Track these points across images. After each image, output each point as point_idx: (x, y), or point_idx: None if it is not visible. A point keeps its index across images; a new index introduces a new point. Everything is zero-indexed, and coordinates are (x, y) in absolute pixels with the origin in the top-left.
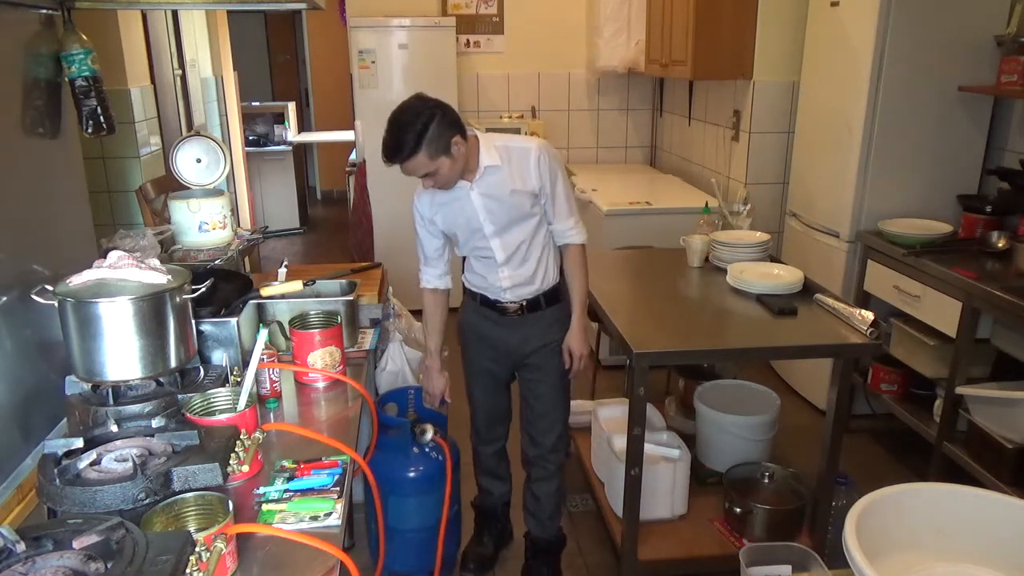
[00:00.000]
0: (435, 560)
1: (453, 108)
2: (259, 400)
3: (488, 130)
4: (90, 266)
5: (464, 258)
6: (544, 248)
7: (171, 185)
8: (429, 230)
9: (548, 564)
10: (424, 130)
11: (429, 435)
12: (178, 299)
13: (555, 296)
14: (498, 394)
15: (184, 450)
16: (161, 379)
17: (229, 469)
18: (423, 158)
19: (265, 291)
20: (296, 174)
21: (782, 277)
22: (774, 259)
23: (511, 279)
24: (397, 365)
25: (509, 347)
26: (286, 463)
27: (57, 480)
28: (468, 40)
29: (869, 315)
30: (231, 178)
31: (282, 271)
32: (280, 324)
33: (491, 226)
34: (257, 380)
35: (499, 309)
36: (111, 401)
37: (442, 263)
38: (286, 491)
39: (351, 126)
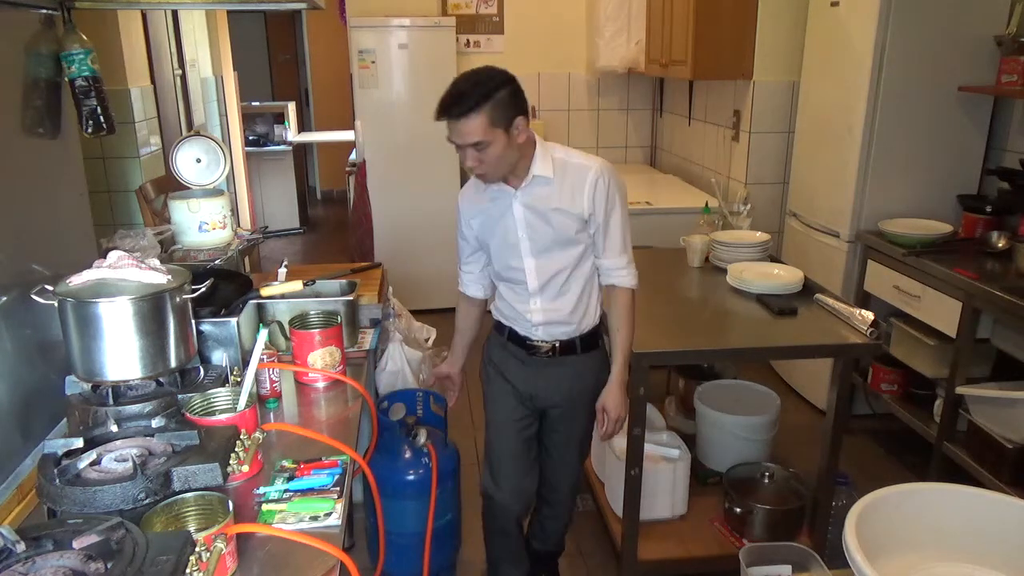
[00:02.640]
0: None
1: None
2: (259, 400)
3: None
4: (90, 266)
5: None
6: (587, 284)
7: (171, 185)
8: (467, 236)
9: (546, 569)
10: (494, 91)
11: (421, 439)
12: (178, 299)
13: (594, 341)
14: (523, 445)
15: (184, 450)
16: (161, 379)
17: (229, 469)
18: (482, 120)
19: (265, 291)
20: (296, 174)
21: (782, 277)
22: (774, 259)
23: (544, 313)
24: (397, 365)
25: (534, 391)
26: (286, 463)
27: (57, 480)
28: (468, 40)
29: (869, 315)
30: (231, 178)
31: (282, 271)
32: (280, 324)
33: (528, 243)
34: (257, 380)
35: (528, 347)
36: (111, 401)
37: (477, 266)
38: (286, 491)
39: (351, 126)
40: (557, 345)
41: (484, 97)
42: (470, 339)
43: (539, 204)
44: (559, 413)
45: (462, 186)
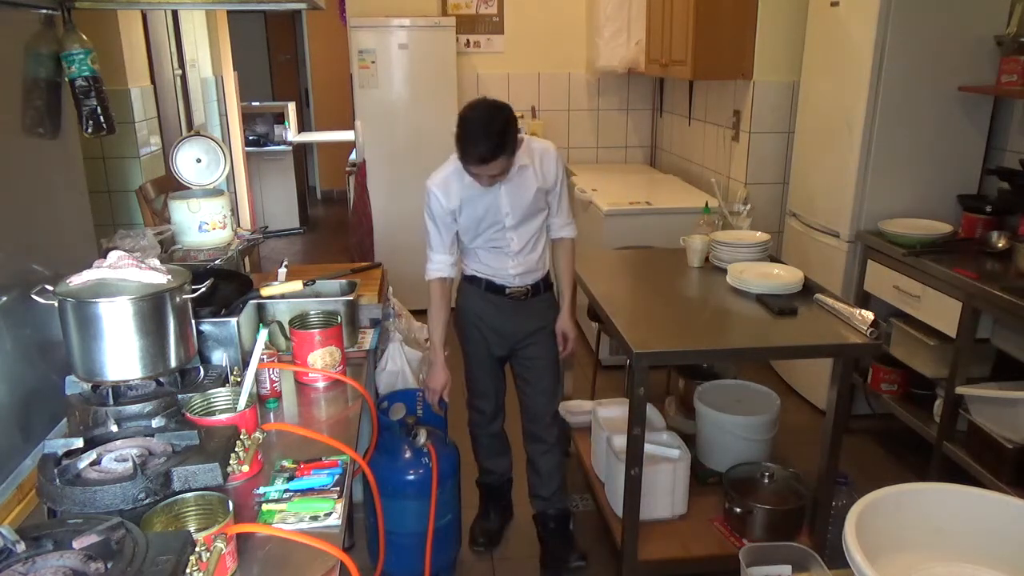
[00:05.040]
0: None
1: None
2: (259, 400)
3: None
4: (90, 266)
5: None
6: (546, 239)
7: (171, 185)
8: (446, 222)
9: (560, 534)
10: (512, 131)
11: (421, 439)
12: (178, 299)
13: (548, 283)
14: (500, 377)
15: (184, 450)
16: (161, 379)
17: (229, 469)
18: (506, 157)
19: (265, 291)
20: (296, 174)
21: (782, 277)
22: (774, 259)
23: (523, 266)
24: (397, 365)
25: (511, 330)
26: (286, 463)
27: (57, 480)
28: (468, 40)
29: (869, 315)
30: (231, 178)
31: (282, 271)
32: (280, 324)
33: (512, 219)
34: (257, 380)
35: (507, 294)
36: (111, 401)
37: (455, 251)
38: (286, 491)
39: (351, 126)
40: (529, 288)
41: (510, 141)
42: (447, 325)
43: (523, 187)
44: (534, 341)
45: None
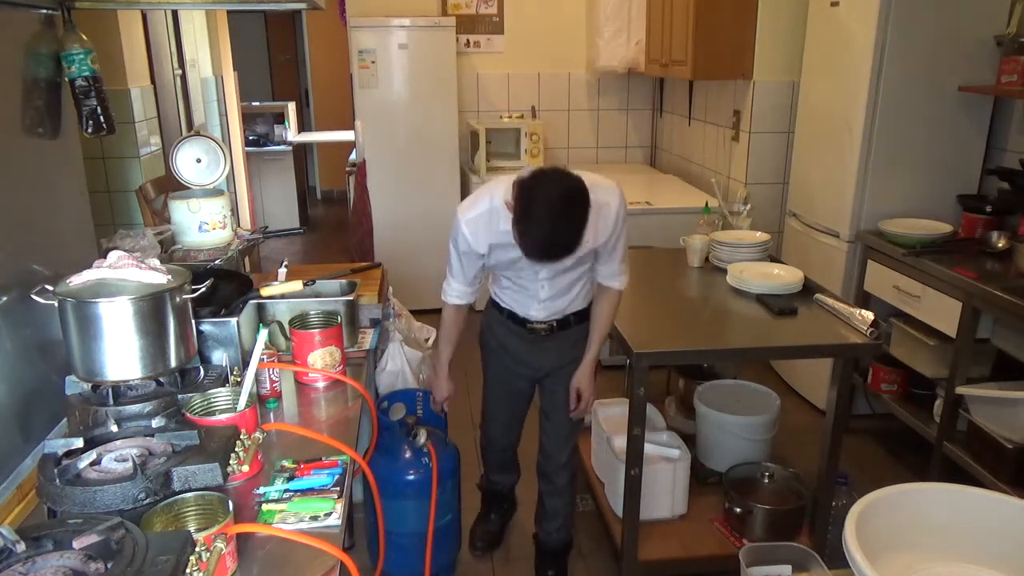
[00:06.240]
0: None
1: None
2: (259, 400)
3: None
4: (90, 266)
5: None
6: (585, 281)
7: (171, 185)
8: (471, 259)
9: (555, 566)
10: (587, 216)
11: (421, 439)
12: (178, 299)
13: (585, 315)
14: (516, 405)
15: (184, 450)
16: (161, 379)
17: (229, 469)
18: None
19: (265, 291)
20: (296, 174)
21: (782, 277)
22: (774, 259)
23: (546, 308)
24: (397, 365)
25: (533, 362)
26: (286, 463)
27: (57, 480)
28: (468, 40)
29: (869, 315)
30: (231, 178)
31: (282, 271)
32: (280, 324)
33: (548, 273)
34: (257, 380)
35: (529, 328)
36: (111, 401)
37: (476, 283)
38: (286, 491)
39: (351, 126)
40: (554, 324)
41: (585, 230)
42: (455, 346)
43: None
44: (556, 375)
45: (461, 190)
